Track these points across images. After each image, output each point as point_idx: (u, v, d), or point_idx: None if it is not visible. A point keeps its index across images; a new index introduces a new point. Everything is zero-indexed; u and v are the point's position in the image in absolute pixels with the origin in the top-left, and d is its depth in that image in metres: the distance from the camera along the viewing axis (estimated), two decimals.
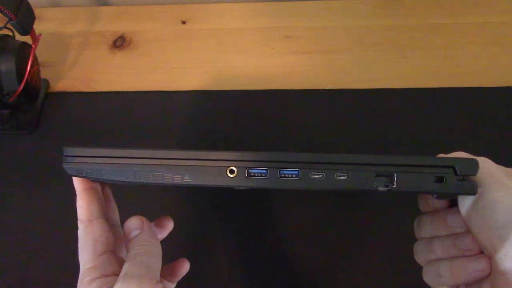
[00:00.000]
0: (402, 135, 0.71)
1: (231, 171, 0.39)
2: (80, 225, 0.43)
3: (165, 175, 0.39)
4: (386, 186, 0.39)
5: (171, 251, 0.46)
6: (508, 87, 0.75)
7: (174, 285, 0.50)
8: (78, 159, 0.40)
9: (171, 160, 0.40)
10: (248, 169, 0.39)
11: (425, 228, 0.45)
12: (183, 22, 0.83)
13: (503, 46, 0.78)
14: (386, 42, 0.80)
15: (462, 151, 0.42)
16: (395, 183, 0.39)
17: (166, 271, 0.49)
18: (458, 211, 0.41)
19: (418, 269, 0.46)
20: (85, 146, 0.41)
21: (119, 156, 0.40)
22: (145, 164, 0.40)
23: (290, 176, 0.39)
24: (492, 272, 0.38)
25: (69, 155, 0.41)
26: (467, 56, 0.78)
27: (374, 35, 0.81)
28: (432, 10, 0.82)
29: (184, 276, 0.51)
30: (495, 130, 0.71)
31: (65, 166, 0.41)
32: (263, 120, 0.73)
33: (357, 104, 0.74)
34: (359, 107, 0.74)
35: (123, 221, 0.45)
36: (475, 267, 0.39)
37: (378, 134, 0.71)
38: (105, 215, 0.44)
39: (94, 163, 0.40)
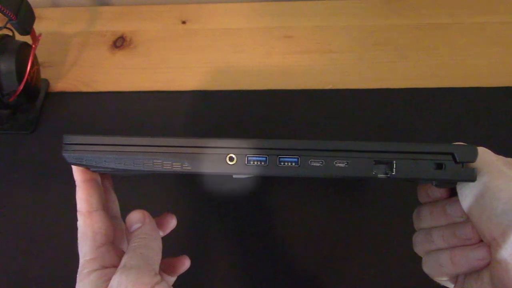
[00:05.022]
0: (402, 135, 0.71)
1: (231, 159, 0.39)
2: (79, 217, 0.43)
3: (164, 162, 0.39)
4: (386, 173, 0.39)
5: (171, 248, 0.46)
6: (508, 87, 0.75)
7: (174, 278, 0.50)
8: (78, 147, 0.40)
9: (171, 148, 0.39)
10: (247, 157, 0.39)
11: (425, 218, 0.45)
12: (183, 22, 0.84)
13: (503, 46, 0.79)
14: (386, 42, 0.80)
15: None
16: (394, 170, 0.39)
17: (166, 265, 0.49)
18: (457, 201, 0.41)
19: (417, 260, 0.46)
20: (84, 134, 0.40)
21: (118, 143, 0.40)
22: (145, 152, 0.40)
23: (289, 163, 0.39)
24: (492, 260, 0.38)
25: (69, 142, 0.40)
26: (467, 56, 0.78)
27: (374, 35, 0.81)
28: (432, 10, 0.83)
29: (184, 273, 0.51)
30: (495, 130, 0.71)
31: (64, 154, 0.40)
32: (263, 120, 0.73)
33: (357, 104, 0.74)
34: (359, 107, 0.74)
35: (123, 215, 0.45)
36: (475, 256, 0.39)
37: (378, 134, 0.71)
38: (105, 207, 0.44)
39: (94, 150, 0.40)
